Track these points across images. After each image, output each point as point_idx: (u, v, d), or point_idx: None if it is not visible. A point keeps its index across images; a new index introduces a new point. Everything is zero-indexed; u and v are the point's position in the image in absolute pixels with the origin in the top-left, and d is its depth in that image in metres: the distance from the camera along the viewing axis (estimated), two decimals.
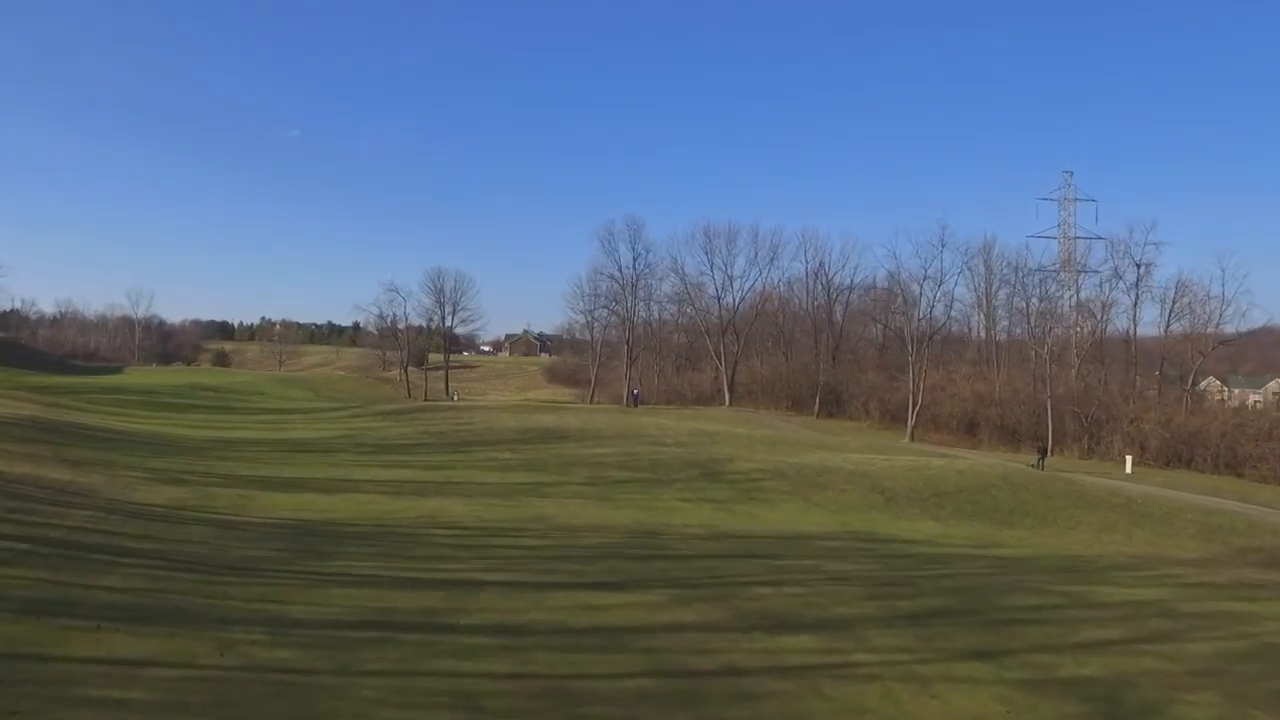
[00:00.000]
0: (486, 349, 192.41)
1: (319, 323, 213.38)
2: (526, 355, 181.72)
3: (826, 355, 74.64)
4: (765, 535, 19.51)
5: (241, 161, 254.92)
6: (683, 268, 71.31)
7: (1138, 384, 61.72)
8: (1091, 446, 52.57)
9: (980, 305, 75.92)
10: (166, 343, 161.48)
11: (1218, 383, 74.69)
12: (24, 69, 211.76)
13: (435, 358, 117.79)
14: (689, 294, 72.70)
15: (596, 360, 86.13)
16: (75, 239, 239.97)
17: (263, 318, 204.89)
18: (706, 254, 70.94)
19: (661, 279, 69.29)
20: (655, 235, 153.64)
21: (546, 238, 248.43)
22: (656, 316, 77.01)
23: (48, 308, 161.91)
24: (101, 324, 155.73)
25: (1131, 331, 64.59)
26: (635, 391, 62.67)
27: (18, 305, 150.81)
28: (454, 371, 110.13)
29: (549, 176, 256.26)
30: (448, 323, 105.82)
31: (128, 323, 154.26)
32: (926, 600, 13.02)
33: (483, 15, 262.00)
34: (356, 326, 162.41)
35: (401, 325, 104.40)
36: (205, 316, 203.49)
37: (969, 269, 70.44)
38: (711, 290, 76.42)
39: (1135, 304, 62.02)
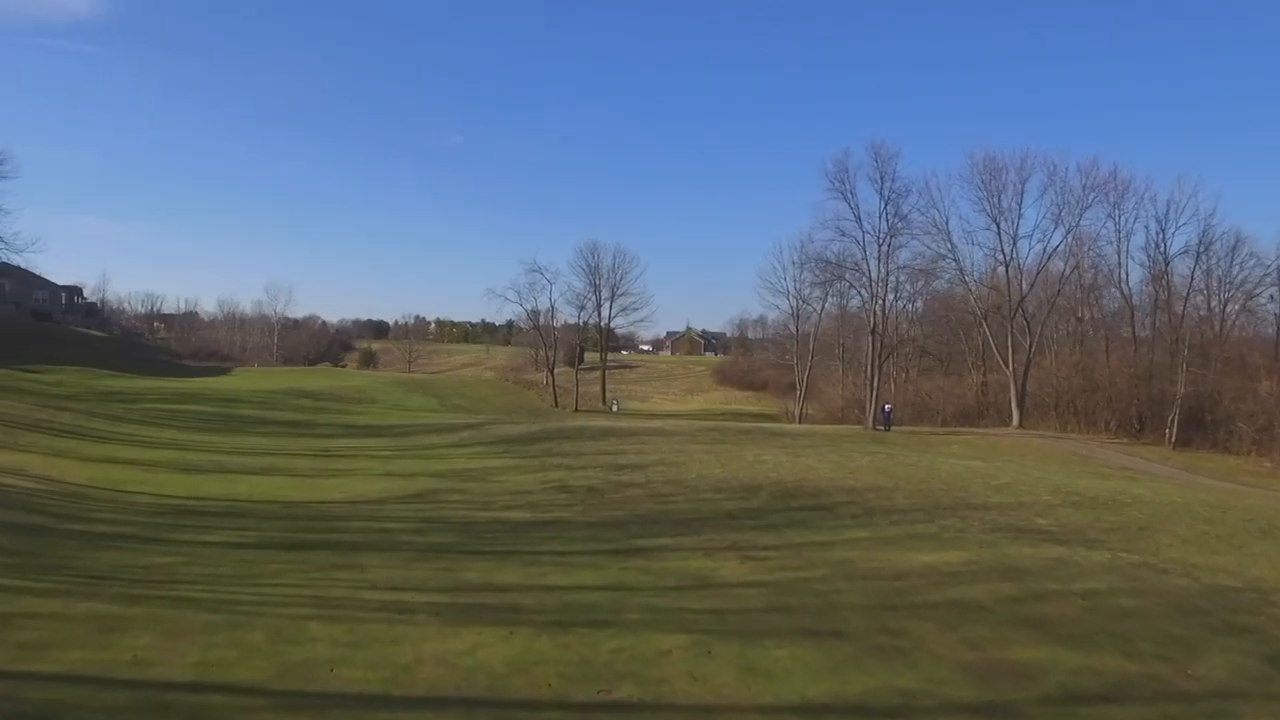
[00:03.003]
0: (645, 347, 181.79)
1: (473, 321, 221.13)
2: (690, 354, 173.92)
3: (1164, 351, 52.30)
4: None
5: (406, 168, 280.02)
6: (946, 222, 51.36)
7: None
8: None
9: None
10: (320, 341, 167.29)
11: None
12: (212, 87, 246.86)
13: (594, 356, 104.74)
14: (952, 262, 52.82)
15: (810, 358, 68.26)
16: (238, 240, 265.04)
17: (417, 316, 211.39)
18: (987, 200, 50.77)
19: (902, 244, 49.32)
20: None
21: (708, 234, 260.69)
22: (893, 298, 57.45)
23: (209, 307, 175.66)
24: (250, 322, 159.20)
25: None
26: (887, 408, 44.26)
27: (182, 306, 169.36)
28: (612, 372, 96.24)
29: (704, 172, 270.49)
30: (605, 311, 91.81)
31: (269, 321, 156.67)
32: None
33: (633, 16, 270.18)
34: (510, 324, 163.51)
35: (546, 312, 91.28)
36: (364, 316, 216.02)
37: None
38: (987, 256, 56.16)
39: None
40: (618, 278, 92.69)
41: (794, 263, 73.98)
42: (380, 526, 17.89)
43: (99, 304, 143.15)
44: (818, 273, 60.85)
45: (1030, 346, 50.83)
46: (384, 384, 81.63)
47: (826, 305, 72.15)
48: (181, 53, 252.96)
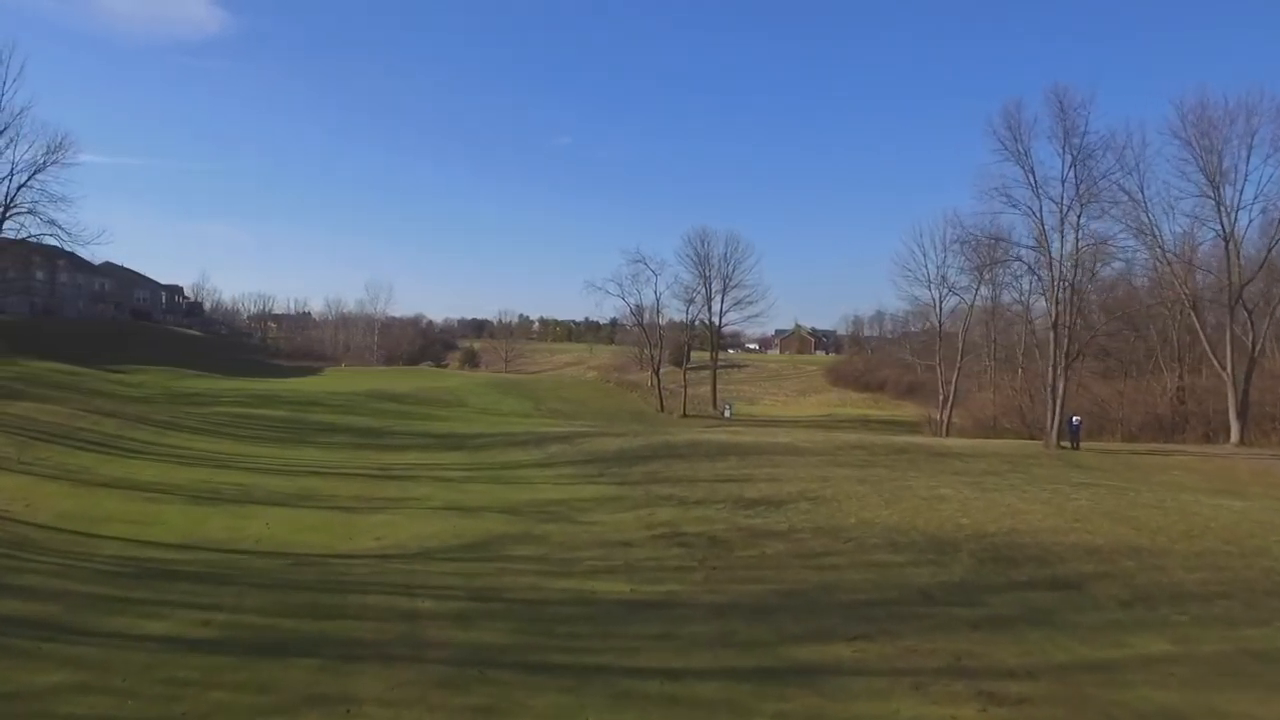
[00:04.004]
0: (752, 346, 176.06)
1: (577, 319, 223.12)
2: (801, 353, 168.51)
3: None
4: None
5: (515, 169, 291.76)
6: (1142, 190, 42.13)
7: None
8: None
9: None
10: (422, 340, 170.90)
11: None
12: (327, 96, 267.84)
13: (700, 356, 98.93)
14: (1150, 238, 43.60)
15: (959, 358, 60.16)
16: (348, 241, 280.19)
17: (520, 315, 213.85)
18: (1199, 160, 41.30)
19: (1095, 214, 40.39)
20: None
21: (815, 230, 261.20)
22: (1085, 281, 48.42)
23: (318, 306, 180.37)
24: (353, 321, 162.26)
25: None
26: (1075, 421, 36.46)
27: (292, 307, 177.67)
28: (719, 372, 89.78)
29: (810, 169, 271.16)
30: (716, 306, 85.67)
31: (371, 320, 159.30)
32: None
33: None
34: (614, 322, 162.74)
35: (651, 307, 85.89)
36: (468, 315, 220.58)
37: None
38: (1184, 232, 46.90)
39: None
40: (730, 268, 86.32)
41: (937, 246, 65.99)
42: (408, 607, 12.47)
43: (201, 303, 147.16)
44: (975, 255, 52.78)
45: (1254, 344, 41.65)
46: (477, 385, 78.07)
47: (979, 295, 63.58)
48: (299, 64, 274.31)
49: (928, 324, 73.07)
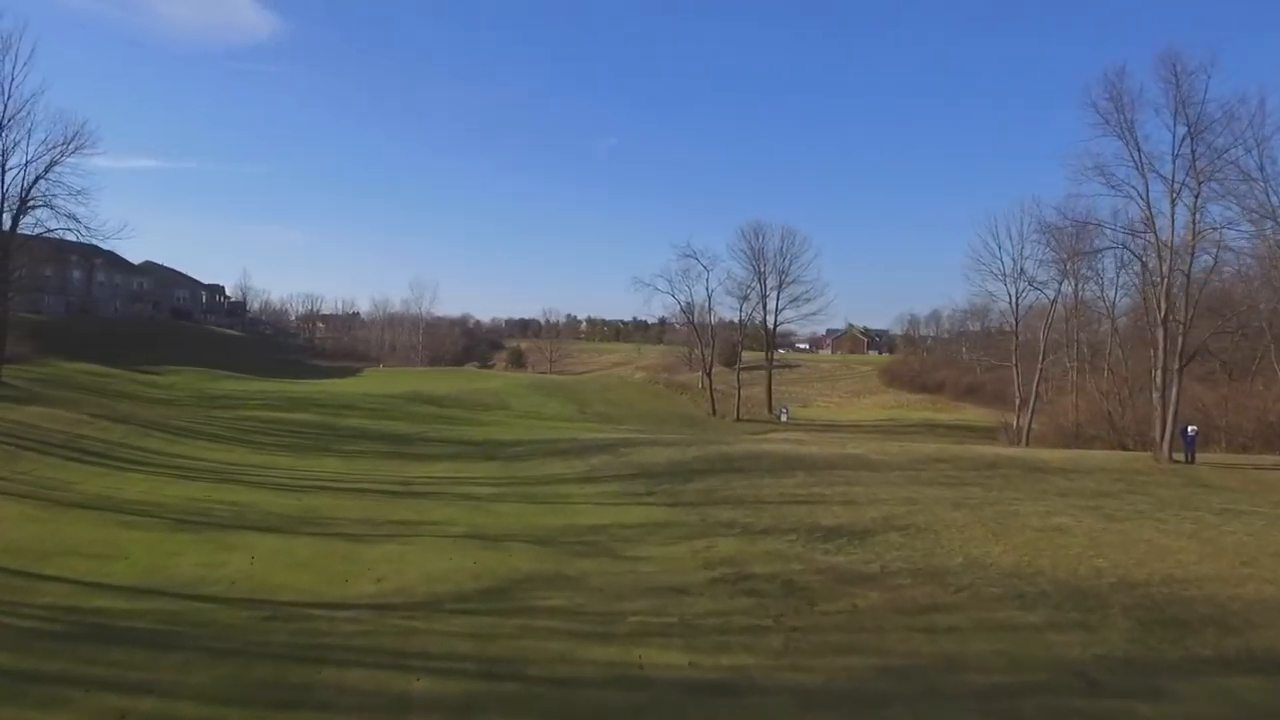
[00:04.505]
0: (802, 346, 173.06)
1: (625, 319, 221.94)
2: (853, 353, 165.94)
3: None
4: None
5: (563, 171, 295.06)
6: (1261, 169, 37.42)
7: None
8: None
9: None
10: (469, 340, 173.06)
11: None
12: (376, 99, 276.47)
13: (751, 356, 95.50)
14: (1269, 215, 38.94)
15: (1041, 358, 55.89)
16: (397, 242, 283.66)
17: (568, 315, 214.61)
18: None
19: (1214, 194, 35.73)
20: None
21: (865, 230, 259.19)
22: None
23: (366, 306, 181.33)
24: (399, 321, 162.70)
25: None
26: (1190, 431, 32.32)
27: (340, 307, 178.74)
28: (762, 372, 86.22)
29: (862, 170, 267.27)
30: (771, 303, 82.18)
31: (415, 320, 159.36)
32: None
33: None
34: (662, 322, 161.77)
35: (702, 304, 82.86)
36: (516, 315, 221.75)
37: None
38: None
39: None
40: (786, 263, 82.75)
41: (1013, 237, 61.74)
42: (397, 690, 9.57)
43: (243, 302, 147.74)
44: (1060, 245, 48.59)
45: None
46: (520, 387, 75.70)
47: (1061, 289, 59.05)
48: (349, 67, 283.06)
49: (988, 322, 68.68)
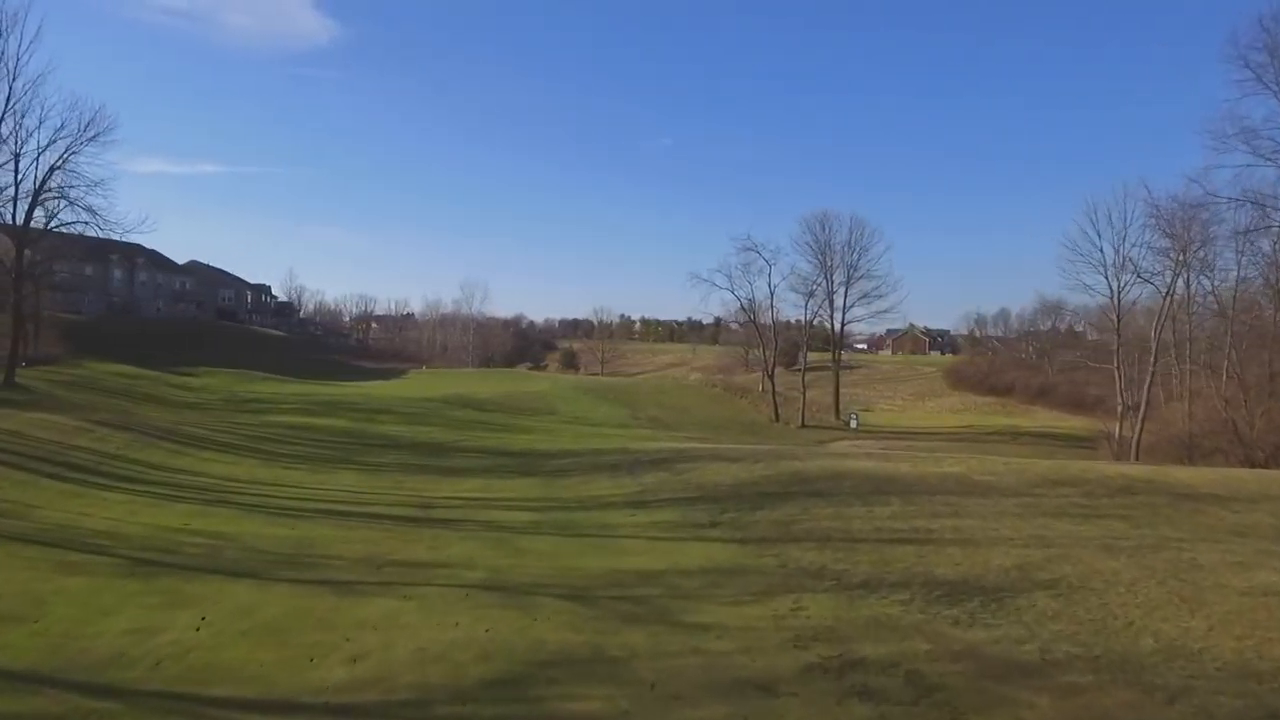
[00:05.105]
0: (861, 346, 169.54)
1: (679, 319, 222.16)
2: (914, 353, 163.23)
3: None
4: None
5: (617, 171, 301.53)
6: None
7: None
8: None
9: None
10: (520, 340, 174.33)
11: None
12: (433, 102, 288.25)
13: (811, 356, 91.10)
14: None
15: (1154, 359, 50.69)
16: (450, 243, 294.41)
17: (621, 315, 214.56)
18: None
19: None
20: None
21: (922, 230, 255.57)
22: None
23: (418, 307, 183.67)
24: (449, 321, 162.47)
25: None
26: None
27: (392, 308, 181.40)
28: (831, 374, 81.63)
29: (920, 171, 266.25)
30: (839, 299, 77.80)
31: (467, 320, 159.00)
32: None
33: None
34: (718, 322, 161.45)
35: (765, 301, 78.93)
36: (569, 315, 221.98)
37: None
38: None
39: None
40: (855, 256, 78.22)
41: (1114, 225, 56.51)
42: None
43: (291, 302, 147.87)
44: (1177, 229, 43.54)
45: None
46: (569, 389, 72.47)
47: (1177, 281, 53.46)
48: (407, 69, 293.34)
49: (1060, 321, 63.32)
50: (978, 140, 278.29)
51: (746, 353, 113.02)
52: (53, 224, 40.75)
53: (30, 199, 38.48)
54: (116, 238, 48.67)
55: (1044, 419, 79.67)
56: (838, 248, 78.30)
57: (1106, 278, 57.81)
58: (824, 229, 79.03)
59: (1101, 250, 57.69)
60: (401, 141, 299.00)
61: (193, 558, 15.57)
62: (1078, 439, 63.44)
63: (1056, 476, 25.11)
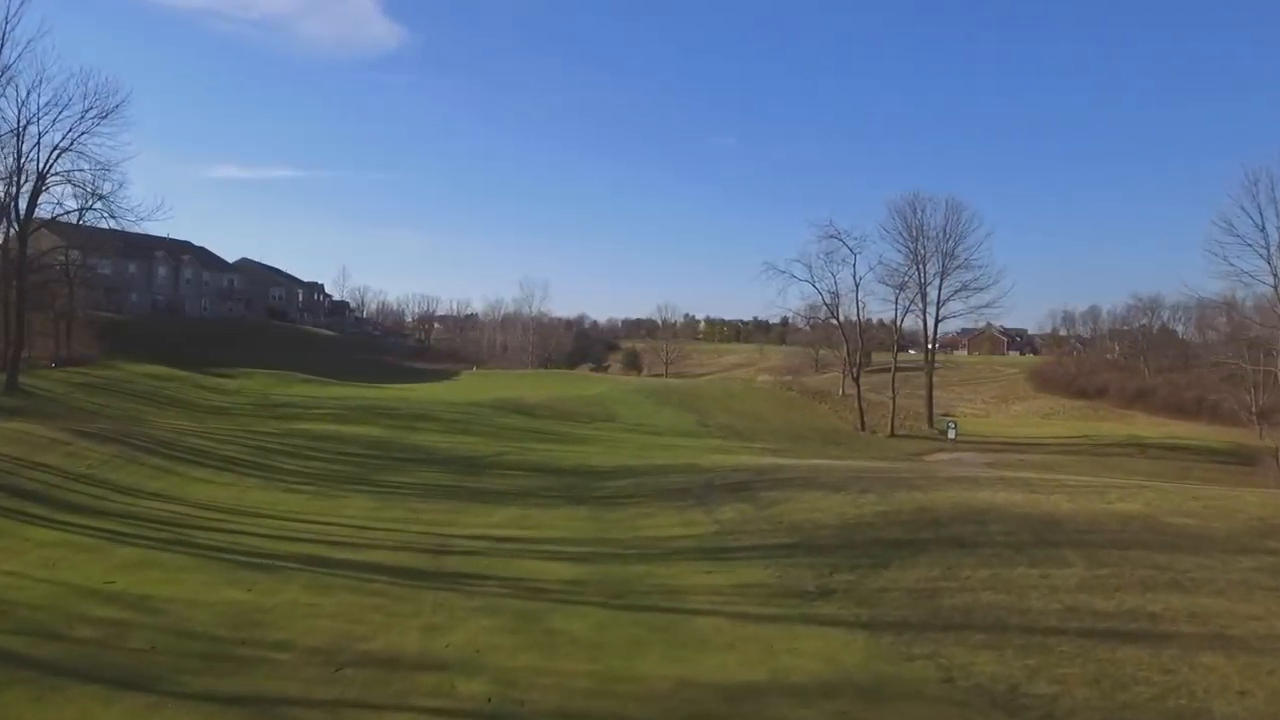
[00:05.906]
0: (932, 346, 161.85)
1: (745, 319, 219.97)
2: (992, 353, 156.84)
3: None
4: None
5: (682, 172, 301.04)
6: None
7: None
8: None
9: None
10: (583, 341, 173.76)
11: None
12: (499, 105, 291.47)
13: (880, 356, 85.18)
14: None
15: None
16: (513, 243, 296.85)
17: (686, 314, 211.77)
18: None
19: None
20: None
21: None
22: None
23: (480, 307, 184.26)
24: (510, 321, 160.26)
25: None
26: None
27: (454, 308, 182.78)
28: (903, 374, 74.86)
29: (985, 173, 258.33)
30: (934, 292, 71.31)
31: (527, 320, 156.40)
32: None
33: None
34: (784, 322, 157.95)
35: (849, 294, 72.79)
36: (632, 315, 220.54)
37: None
38: None
39: None
40: (951, 244, 71.37)
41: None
42: None
43: (346, 301, 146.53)
44: None
45: None
46: (628, 392, 67.54)
47: None
48: (474, 71, 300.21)
49: (1156, 319, 55.81)
50: (1063, 140, 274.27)
51: (816, 352, 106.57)
52: (55, 213, 37.39)
53: (33, 184, 35.11)
54: (190, 240, 45.24)
55: (1144, 425, 72.44)
56: (932, 234, 71.51)
57: (1270, 262, 50.27)
58: (915, 213, 72.32)
59: (1264, 230, 50.37)
60: (467, 142, 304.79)
61: (75, 648, 10.96)
62: (1214, 452, 56.01)
63: (1265, 522, 19.03)
